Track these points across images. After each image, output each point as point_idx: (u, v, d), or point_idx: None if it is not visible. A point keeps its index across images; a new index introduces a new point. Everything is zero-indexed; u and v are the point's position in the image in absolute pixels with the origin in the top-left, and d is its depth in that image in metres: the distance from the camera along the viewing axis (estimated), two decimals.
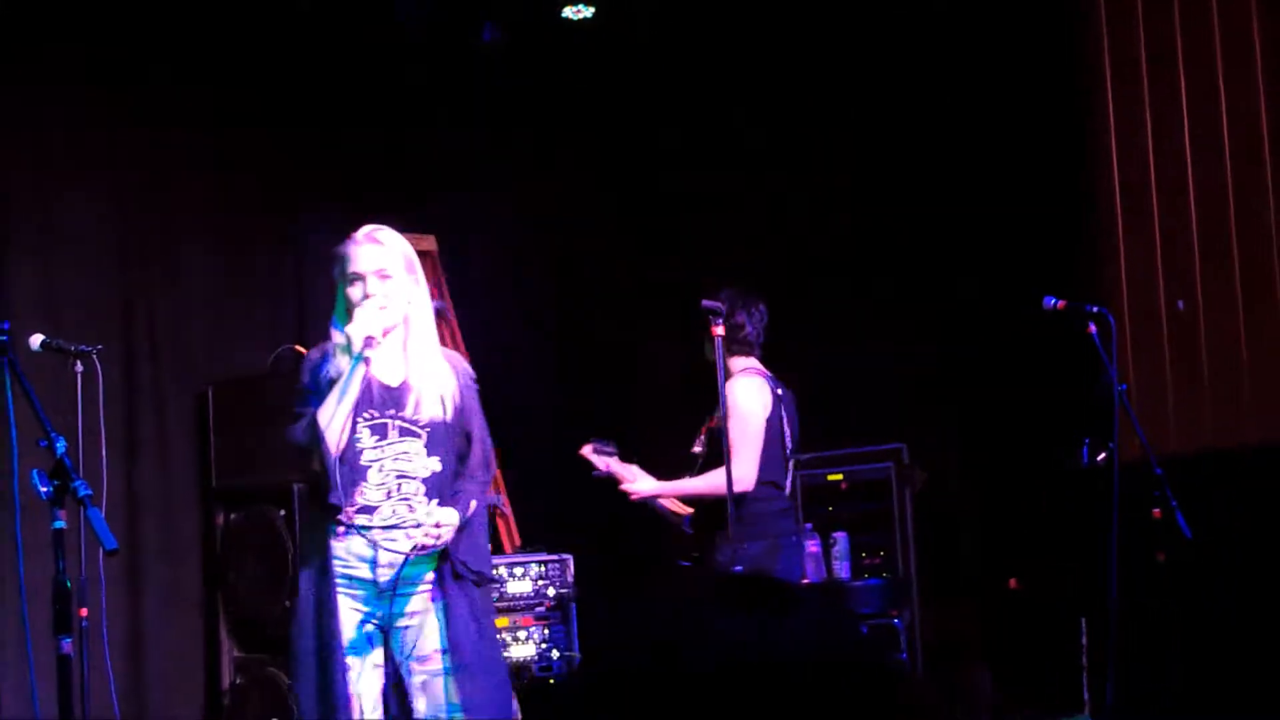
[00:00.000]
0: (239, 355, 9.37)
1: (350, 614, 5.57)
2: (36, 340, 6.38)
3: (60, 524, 4.26)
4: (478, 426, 5.67)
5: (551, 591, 8.18)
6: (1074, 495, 7.72)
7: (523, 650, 8.03)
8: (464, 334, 10.18)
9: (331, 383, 5.45)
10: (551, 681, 8.13)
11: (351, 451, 5.44)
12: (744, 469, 7.02)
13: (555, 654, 8.14)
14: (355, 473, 5.45)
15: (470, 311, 10.24)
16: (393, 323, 5.52)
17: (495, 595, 7.94)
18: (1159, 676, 7.19)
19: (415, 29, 9.69)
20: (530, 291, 10.49)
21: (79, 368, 6.87)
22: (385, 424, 5.49)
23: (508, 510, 9.96)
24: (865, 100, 9.41)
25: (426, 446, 5.51)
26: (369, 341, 5.36)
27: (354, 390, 5.40)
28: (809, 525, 8.63)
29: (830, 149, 9.51)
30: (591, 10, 9.65)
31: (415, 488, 5.49)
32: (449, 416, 5.55)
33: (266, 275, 9.67)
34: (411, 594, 5.55)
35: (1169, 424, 8.27)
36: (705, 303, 7.06)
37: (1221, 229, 8.35)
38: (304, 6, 9.43)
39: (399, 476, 5.49)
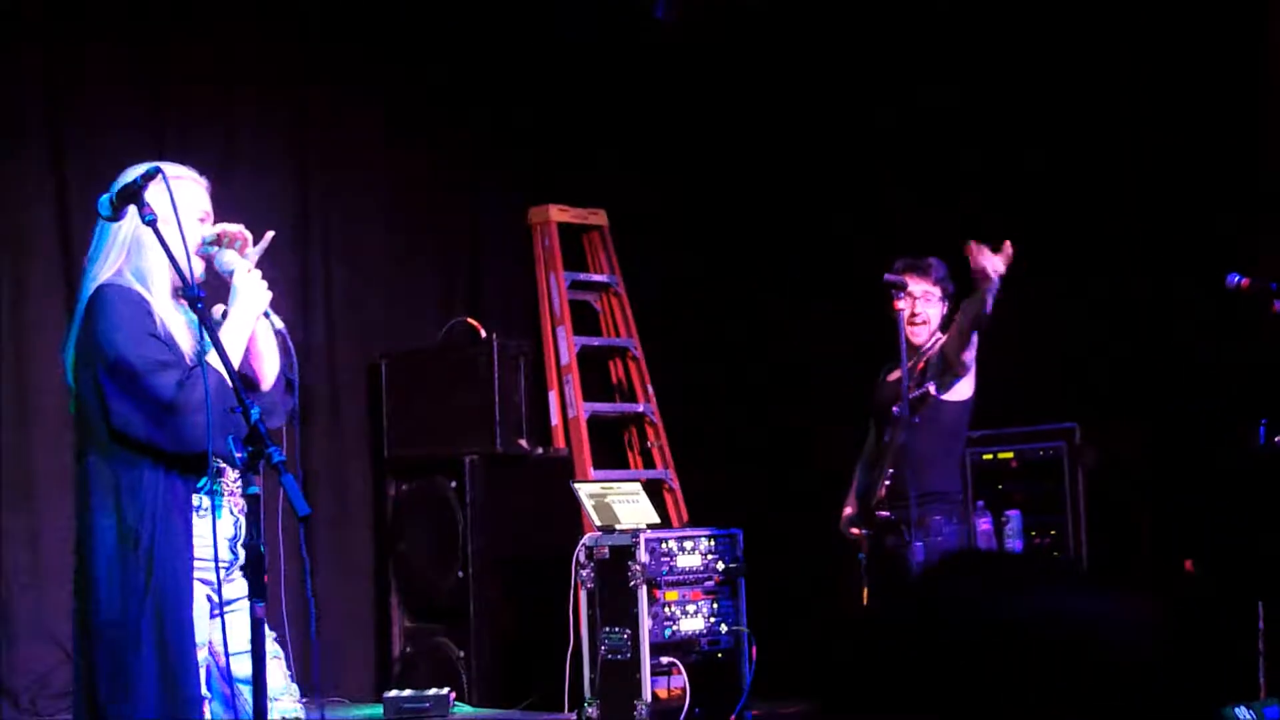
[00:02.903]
0: (412, 328, 9.48)
1: (203, 606, 4.90)
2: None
3: (255, 489, 4.31)
4: None
5: (720, 566, 8.17)
6: (1254, 476, 7.59)
7: (691, 624, 8.03)
8: (633, 309, 10.23)
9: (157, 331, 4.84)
10: (719, 656, 8.12)
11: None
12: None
13: (724, 628, 8.13)
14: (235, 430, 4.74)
15: (638, 288, 10.28)
16: None
17: (666, 569, 7.95)
18: None
19: (581, 22, 9.75)
20: (697, 268, 10.49)
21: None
22: None
23: (675, 485, 9.99)
24: (1043, 77, 9.29)
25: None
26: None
27: (249, 332, 4.98)
28: (980, 502, 8.56)
29: (1002, 127, 9.40)
30: None
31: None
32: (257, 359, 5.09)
33: (440, 250, 9.77)
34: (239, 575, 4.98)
35: None
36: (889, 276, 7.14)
37: None
38: None
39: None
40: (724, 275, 10.48)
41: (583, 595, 8.13)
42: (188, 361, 4.82)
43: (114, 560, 4.69)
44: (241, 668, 4.80)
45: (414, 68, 9.61)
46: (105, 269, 4.89)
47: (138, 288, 4.86)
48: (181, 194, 4.92)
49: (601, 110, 10.28)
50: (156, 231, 4.61)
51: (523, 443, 9.02)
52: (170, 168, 4.95)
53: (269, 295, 5.02)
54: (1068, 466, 8.60)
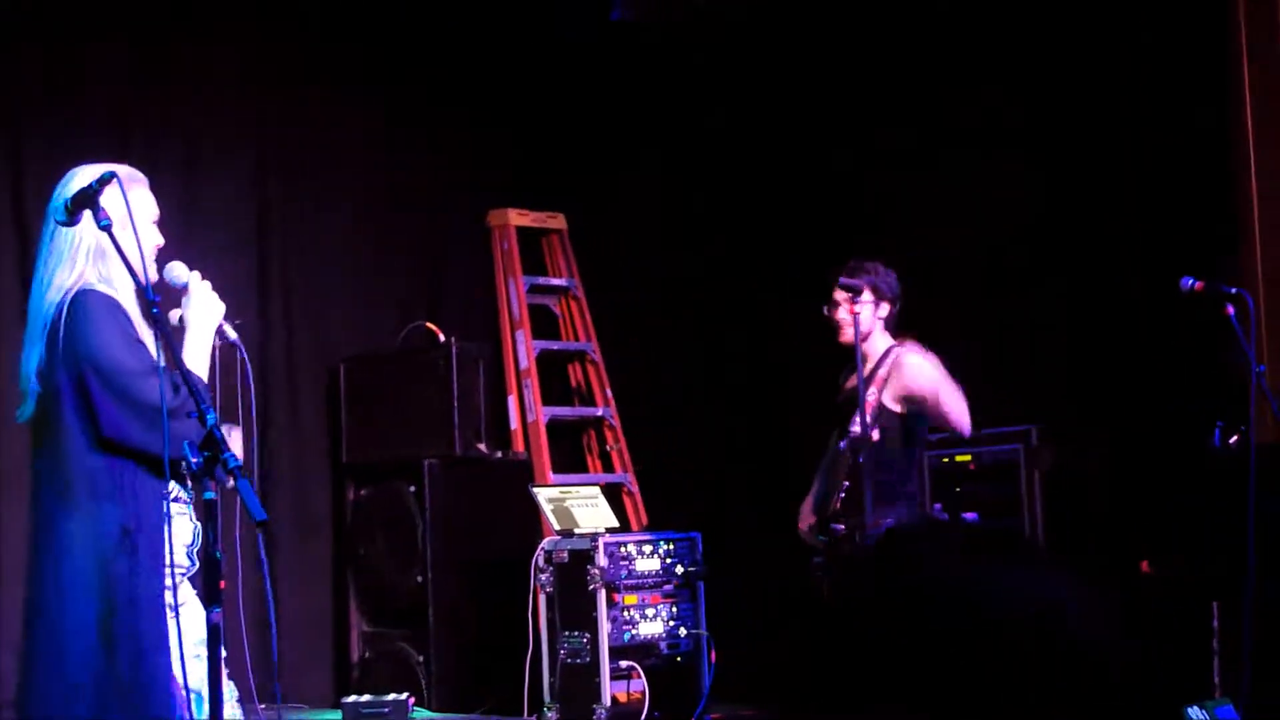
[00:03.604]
0: (371, 331, 9.48)
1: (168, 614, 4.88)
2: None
3: (210, 495, 4.30)
4: None
5: (679, 569, 8.19)
6: (1210, 478, 7.63)
7: (651, 628, 8.05)
8: (592, 313, 10.24)
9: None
10: (679, 659, 8.14)
11: None
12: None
13: (683, 632, 8.16)
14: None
15: (598, 291, 10.28)
16: None
17: (625, 572, 7.97)
18: None
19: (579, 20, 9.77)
20: (657, 272, 10.50)
21: (216, 341, 6.96)
22: None
23: (635, 489, 9.99)
24: (1006, 83, 9.31)
25: None
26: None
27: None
28: (938, 505, 8.60)
29: (971, 132, 9.43)
30: None
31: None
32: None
33: (401, 253, 9.76)
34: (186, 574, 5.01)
35: None
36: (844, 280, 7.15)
37: None
38: None
39: None
40: (685, 279, 10.49)
41: (542, 599, 8.14)
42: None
43: (91, 564, 4.67)
44: (190, 670, 4.78)
45: (376, 72, 9.61)
46: (70, 275, 4.83)
47: (110, 293, 4.83)
48: (137, 198, 4.90)
49: (566, 113, 10.29)
50: (112, 237, 4.60)
51: (482, 447, 9.03)
52: (124, 170, 4.91)
53: (223, 307, 5.01)
54: (1024, 468, 8.63)
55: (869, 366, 7.19)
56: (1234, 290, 6.88)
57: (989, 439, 8.81)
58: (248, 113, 9.18)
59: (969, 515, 8.54)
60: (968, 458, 8.83)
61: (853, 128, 9.92)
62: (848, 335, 7.23)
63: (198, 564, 4.95)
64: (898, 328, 7.33)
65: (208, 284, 5.02)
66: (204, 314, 4.97)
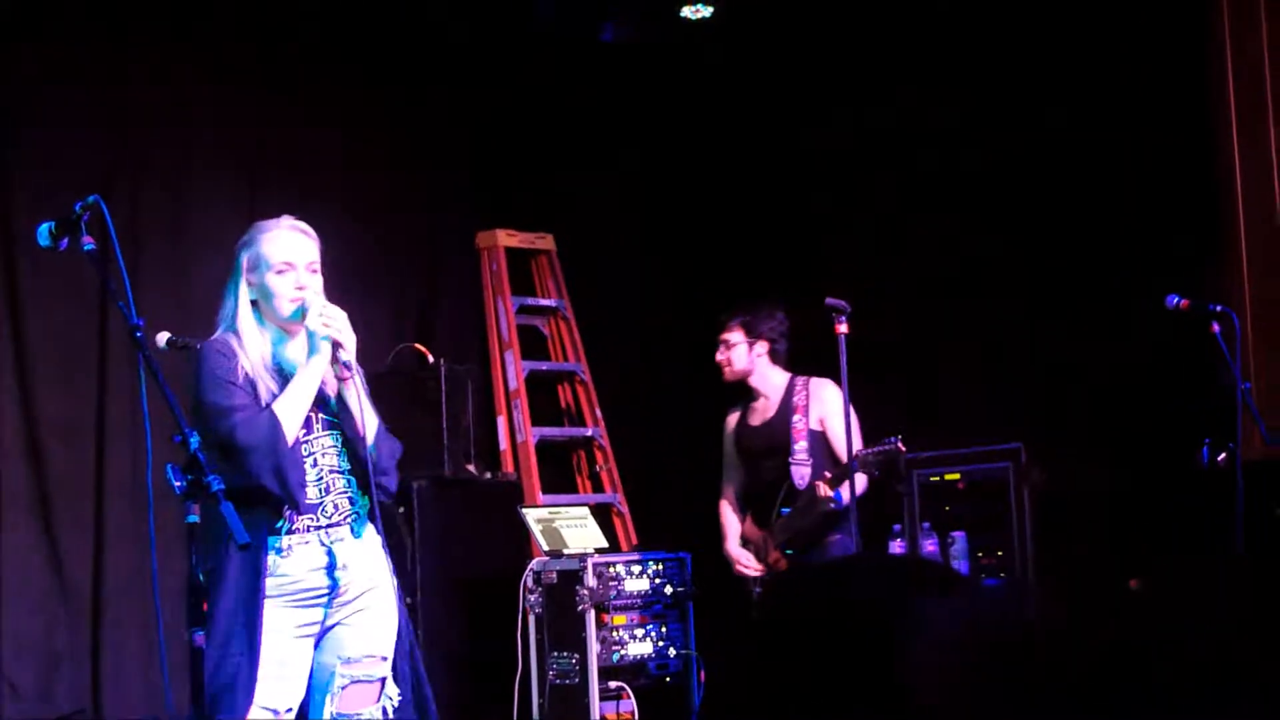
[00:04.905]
0: (360, 353, 9.45)
1: (305, 641, 5.13)
2: (163, 338, 6.47)
3: (193, 518, 4.32)
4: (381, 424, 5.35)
5: (669, 590, 8.19)
6: (1197, 495, 7.64)
7: (640, 648, 8.04)
8: (581, 334, 10.24)
9: (230, 376, 5.07)
10: (668, 680, 8.14)
11: (294, 448, 5.07)
12: None
13: (672, 652, 8.15)
14: (300, 471, 5.09)
15: (587, 312, 10.28)
16: None
17: (614, 593, 7.97)
18: None
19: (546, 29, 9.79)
20: (646, 293, 10.51)
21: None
22: (309, 417, 5.11)
23: (625, 509, 10.00)
24: (990, 98, 9.33)
25: (348, 441, 5.20)
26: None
27: (317, 382, 5.14)
28: (926, 524, 8.61)
29: (956, 148, 9.44)
30: (710, 10, 9.67)
31: (345, 482, 5.18)
32: (358, 414, 5.23)
33: (391, 274, 9.76)
34: (362, 593, 5.20)
35: None
36: (830, 300, 7.22)
37: None
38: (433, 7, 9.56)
39: (332, 471, 5.15)
40: (676, 300, 10.50)
41: (531, 620, 8.14)
42: (261, 402, 5.03)
43: (230, 589, 4.88)
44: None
45: (370, 90, 9.61)
46: (220, 323, 5.23)
47: (232, 339, 5.15)
48: (273, 243, 5.27)
49: (555, 134, 10.30)
50: (96, 262, 4.62)
51: (471, 468, 9.02)
52: (279, 223, 5.35)
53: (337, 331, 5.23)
54: (1013, 487, 8.63)
55: (778, 400, 7.72)
56: (1219, 308, 6.91)
57: (978, 457, 8.81)
58: (240, 130, 9.15)
59: (957, 534, 8.55)
60: (956, 476, 8.83)
61: (843, 138, 9.95)
62: (726, 374, 7.83)
63: (341, 582, 5.11)
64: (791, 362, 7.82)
65: (320, 299, 5.31)
66: (317, 328, 5.20)
